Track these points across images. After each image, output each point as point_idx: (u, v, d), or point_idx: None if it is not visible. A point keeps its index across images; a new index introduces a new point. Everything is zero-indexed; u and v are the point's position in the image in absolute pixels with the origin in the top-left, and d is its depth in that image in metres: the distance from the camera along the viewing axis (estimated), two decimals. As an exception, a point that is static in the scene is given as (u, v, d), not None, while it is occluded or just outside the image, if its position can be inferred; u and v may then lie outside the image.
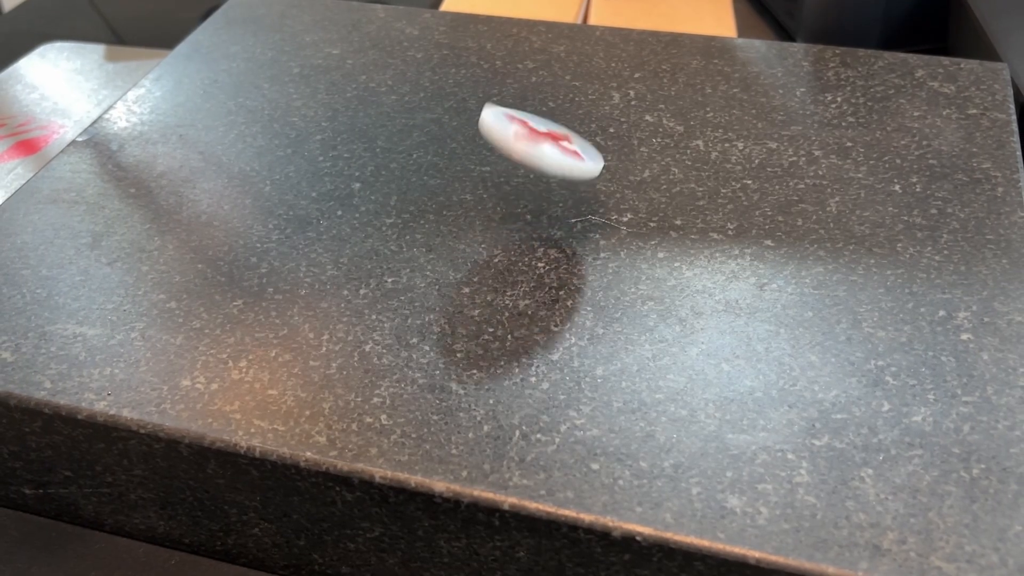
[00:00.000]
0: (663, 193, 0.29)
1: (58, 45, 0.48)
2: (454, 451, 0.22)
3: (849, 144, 0.30)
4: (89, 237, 0.28)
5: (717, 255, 0.26)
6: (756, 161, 0.30)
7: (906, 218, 0.27)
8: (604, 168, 0.30)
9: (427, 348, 0.24)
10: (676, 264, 0.26)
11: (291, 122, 0.33)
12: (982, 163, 0.29)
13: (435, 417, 0.22)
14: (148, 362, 0.24)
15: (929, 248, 0.26)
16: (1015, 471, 0.20)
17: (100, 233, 0.28)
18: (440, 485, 0.21)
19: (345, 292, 0.26)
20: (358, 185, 0.30)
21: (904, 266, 0.26)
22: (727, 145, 0.31)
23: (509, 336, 0.24)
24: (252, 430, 0.22)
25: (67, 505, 0.26)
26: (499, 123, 0.25)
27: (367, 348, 0.24)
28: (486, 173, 0.30)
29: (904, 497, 0.20)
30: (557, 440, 0.22)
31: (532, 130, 0.25)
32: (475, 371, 0.23)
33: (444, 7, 0.48)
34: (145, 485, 0.24)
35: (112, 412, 0.23)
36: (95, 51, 0.47)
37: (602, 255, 0.27)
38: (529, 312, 0.25)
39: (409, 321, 0.25)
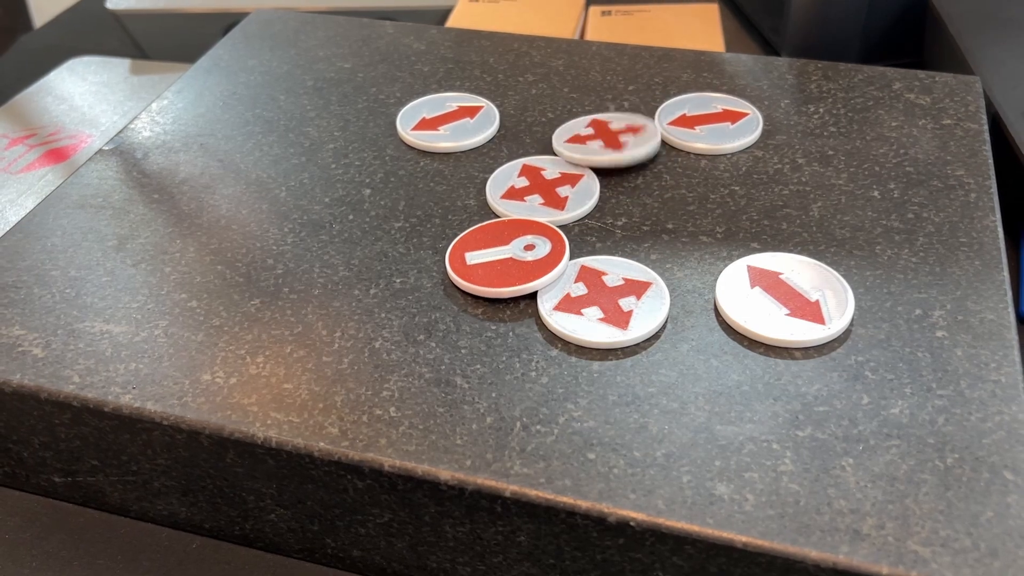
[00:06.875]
0: (655, 198, 0.29)
1: (86, 59, 0.48)
2: (459, 441, 0.22)
3: (831, 152, 0.30)
4: (115, 240, 0.28)
5: (706, 257, 0.26)
6: (743, 168, 0.30)
7: (884, 222, 0.27)
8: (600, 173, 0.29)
9: (433, 344, 0.24)
10: (668, 265, 0.26)
11: (305, 132, 0.33)
12: (956, 170, 0.29)
13: (441, 409, 0.22)
14: (171, 358, 0.24)
15: (906, 250, 0.26)
16: (987, 460, 0.20)
17: (125, 236, 0.28)
18: (445, 473, 0.21)
19: (356, 292, 0.26)
20: (368, 191, 0.30)
21: (882, 267, 0.26)
22: (716, 153, 0.30)
23: (511, 333, 0.24)
24: (268, 422, 0.22)
25: (94, 492, 0.26)
26: None
27: (377, 344, 0.24)
28: (488, 179, 0.30)
29: (882, 485, 0.20)
30: (556, 431, 0.22)
31: None
32: (478, 366, 0.23)
33: (449, 23, 0.48)
34: (168, 473, 0.24)
35: (137, 405, 0.23)
36: (121, 65, 0.47)
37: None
38: (529, 310, 0.25)
39: (416, 319, 0.25)
